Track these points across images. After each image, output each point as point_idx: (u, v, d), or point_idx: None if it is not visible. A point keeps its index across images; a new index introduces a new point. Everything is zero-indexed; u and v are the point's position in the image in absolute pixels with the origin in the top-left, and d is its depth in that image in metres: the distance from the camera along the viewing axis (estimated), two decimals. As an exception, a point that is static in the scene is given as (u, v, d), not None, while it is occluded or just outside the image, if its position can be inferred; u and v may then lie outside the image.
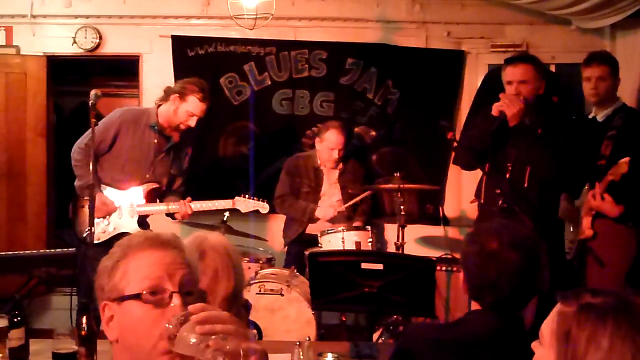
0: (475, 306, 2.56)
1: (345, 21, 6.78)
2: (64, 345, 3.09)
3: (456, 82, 6.78)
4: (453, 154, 6.04)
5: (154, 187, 5.37)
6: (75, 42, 6.68)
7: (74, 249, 5.34)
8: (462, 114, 6.70)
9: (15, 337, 3.19)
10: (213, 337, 1.57)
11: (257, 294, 5.16)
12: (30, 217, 6.74)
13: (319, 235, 5.69)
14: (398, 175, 5.69)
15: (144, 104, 6.50)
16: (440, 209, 6.61)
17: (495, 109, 4.76)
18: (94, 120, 4.59)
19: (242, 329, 1.64)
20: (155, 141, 5.31)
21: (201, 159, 6.61)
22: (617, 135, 4.75)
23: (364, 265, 3.91)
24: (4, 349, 3.13)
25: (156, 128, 5.27)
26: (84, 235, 5.07)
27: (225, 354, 1.56)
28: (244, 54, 6.71)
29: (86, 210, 5.09)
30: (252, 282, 5.18)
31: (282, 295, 5.17)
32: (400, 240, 5.60)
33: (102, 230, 5.24)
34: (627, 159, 4.41)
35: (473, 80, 6.75)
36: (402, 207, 5.63)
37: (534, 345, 1.82)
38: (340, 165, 6.22)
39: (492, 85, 5.17)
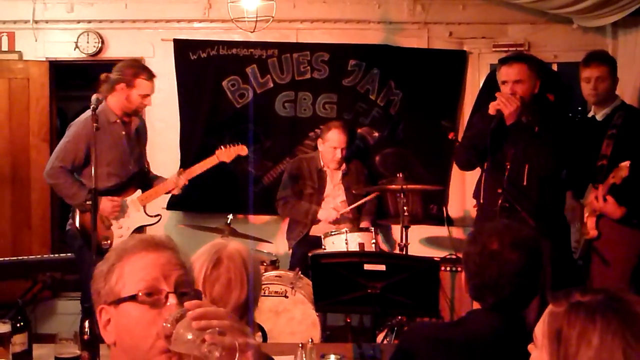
0: (476, 306, 2.57)
1: (346, 22, 6.78)
2: (67, 349, 3.10)
3: (458, 82, 6.77)
4: (456, 154, 6.03)
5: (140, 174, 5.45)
6: (77, 47, 6.69)
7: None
8: (464, 113, 6.69)
9: (18, 342, 3.20)
10: (209, 331, 1.58)
11: (262, 296, 5.13)
12: (35, 222, 6.75)
13: (323, 236, 5.69)
14: (401, 175, 5.68)
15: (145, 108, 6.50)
16: (444, 209, 6.60)
17: (492, 108, 4.78)
18: (95, 124, 4.60)
19: (238, 324, 1.64)
20: (123, 132, 5.33)
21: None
22: (617, 134, 4.76)
23: (367, 266, 3.91)
24: (7, 353, 3.13)
25: (119, 122, 5.28)
26: (103, 247, 5.05)
27: (221, 348, 1.57)
28: (246, 57, 6.70)
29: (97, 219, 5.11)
30: (260, 288, 5.17)
31: (287, 297, 5.17)
32: (404, 241, 5.60)
33: (119, 234, 5.28)
34: (627, 163, 4.43)
35: (475, 80, 6.74)
36: (405, 208, 5.62)
37: (530, 347, 1.83)
38: (343, 166, 6.23)
39: (494, 85, 5.16)
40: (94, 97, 4.70)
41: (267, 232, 6.48)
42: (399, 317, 5.29)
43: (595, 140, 4.86)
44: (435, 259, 5.25)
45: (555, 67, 6.66)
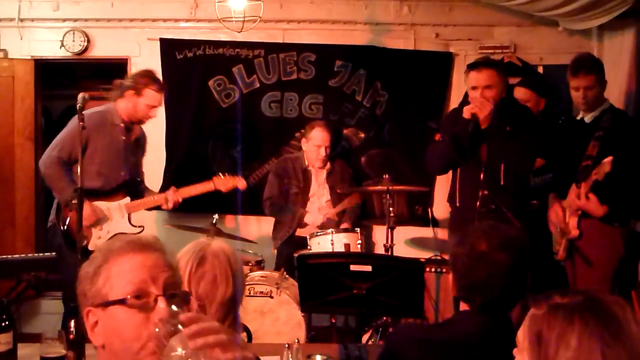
0: (463, 307, 2.58)
1: (333, 23, 6.78)
2: (52, 349, 3.08)
3: (444, 84, 6.79)
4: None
5: (133, 182, 5.47)
6: (63, 45, 6.66)
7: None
8: (450, 115, 6.72)
9: (3, 342, 3.17)
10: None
11: (247, 296, 5.15)
12: (19, 221, 6.72)
13: (308, 237, 5.69)
14: (387, 176, 5.69)
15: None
16: (429, 210, 6.62)
17: (467, 112, 4.85)
18: (81, 123, 4.58)
19: (234, 338, 1.64)
20: (123, 137, 5.36)
21: (190, 162, 6.62)
22: (604, 136, 4.79)
23: (353, 267, 3.91)
24: (-8, 353, 3.12)
25: (122, 126, 5.30)
26: (84, 245, 5.10)
27: None
28: (232, 57, 6.70)
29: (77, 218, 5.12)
30: (244, 286, 5.17)
31: (272, 297, 5.17)
32: (389, 242, 5.60)
33: (97, 236, 5.30)
34: (610, 158, 4.45)
35: (461, 82, 6.67)
36: (391, 209, 5.63)
37: (514, 352, 1.85)
38: (328, 166, 6.23)
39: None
40: (80, 95, 4.68)
41: (252, 232, 6.48)
42: (384, 318, 5.29)
43: (583, 142, 4.89)
44: (421, 260, 5.25)
45: (541, 70, 6.69)
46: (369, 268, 3.90)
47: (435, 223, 6.50)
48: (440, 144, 5.16)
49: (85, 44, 6.68)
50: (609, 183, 4.57)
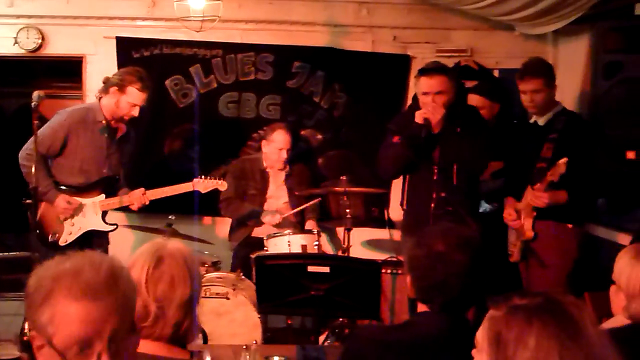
0: (421, 308, 2.59)
1: (292, 24, 6.78)
2: (6, 351, 3.05)
3: (402, 86, 6.82)
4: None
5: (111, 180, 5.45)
6: (16, 42, 6.54)
7: (22, 253, 5.28)
8: (408, 117, 6.75)
9: (-45, 343, 3.14)
10: None
11: (203, 297, 5.12)
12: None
13: (265, 238, 5.67)
14: (344, 178, 5.71)
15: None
16: (386, 211, 6.65)
17: (419, 117, 4.92)
18: (36, 122, 4.55)
19: None
20: (106, 135, 5.34)
21: (146, 161, 6.57)
22: (558, 138, 4.87)
23: (310, 268, 3.92)
24: (-56, 355, 3.07)
25: (104, 123, 5.26)
26: (50, 240, 5.21)
27: None
28: (190, 56, 6.66)
29: (50, 213, 5.09)
30: (202, 286, 5.14)
31: (228, 298, 5.14)
32: (346, 243, 5.62)
33: (68, 231, 5.31)
34: (564, 160, 4.53)
35: (418, 85, 6.79)
36: (347, 210, 5.65)
37: (473, 353, 1.87)
38: (287, 168, 6.22)
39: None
40: (35, 93, 4.65)
41: (208, 233, 6.44)
42: (340, 319, 5.31)
43: (536, 144, 4.96)
44: (377, 261, 5.27)
45: (497, 73, 6.76)
46: (326, 269, 3.91)
47: (391, 225, 6.54)
48: (394, 147, 5.18)
49: (40, 41, 6.57)
50: (563, 184, 4.65)
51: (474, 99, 5.98)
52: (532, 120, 5.15)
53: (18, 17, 6.61)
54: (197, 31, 5.46)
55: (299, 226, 6.11)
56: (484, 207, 5.87)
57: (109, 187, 5.45)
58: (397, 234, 6.64)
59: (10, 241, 7.41)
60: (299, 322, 6.00)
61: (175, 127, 6.67)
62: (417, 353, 2.44)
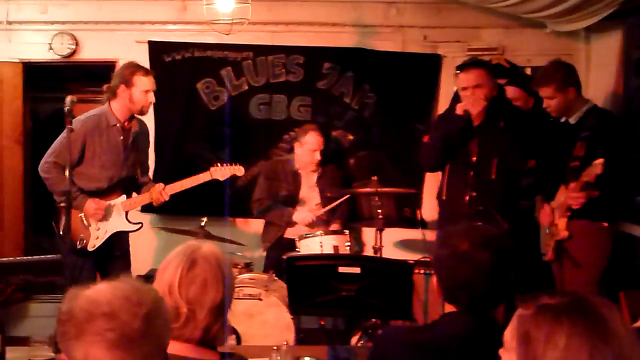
0: (448, 308, 2.59)
1: (321, 25, 6.78)
2: (40, 352, 3.09)
3: (432, 86, 6.80)
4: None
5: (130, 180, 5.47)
6: (51, 48, 6.64)
7: (55, 256, 5.33)
8: (438, 117, 6.73)
9: (-9, 345, 3.18)
10: None
11: (235, 298, 5.14)
12: (7, 224, 6.70)
13: (297, 239, 5.69)
14: (375, 178, 5.71)
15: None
16: (418, 212, 6.63)
17: (460, 109, 4.94)
18: (69, 126, 4.59)
19: None
20: (121, 138, 5.35)
21: (178, 164, 6.61)
22: (591, 136, 4.82)
23: (341, 269, 3.92)
24: (-20, 356, 3.12)
25: (118, 126, 5.30)
26: (79, 247, 5.23)
27: None
28: (221, 59, 6.69)
29: (75, 219, 5.14)
30: (234, 290, 5.16)
31: (261, 299, 5.16)
32: (378, 244, 5.61)
33: (95, 236, 5.32)
34: (601, 160, 4.47)
35: (449, 84, 6.74)
36: (379, 211, 5.64)
37: (500, 352, 1.86)
38: (319, 169, 6.23)
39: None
40: (67, 98, 4.69)
41: (241, 235, 6.47)
42: (373, 320, 5.30)
43: (568, 143, 4.92)
44: (409, 261, 5.26)
45: (529, 71, 6.71)
46: (357, 270, 3.91)
47: (423, 225, 6.52)
48: (429, 145, 5.22)
49: (74, 46, 6.66)
50: (599, 184, 4.60)
51: (509, 91, 5.95)
52: (562, 119, 5.11)
53: (52, 23, 6.70)
54: (227, 34, 5.48)
55: (326, 226, 6.12)
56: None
57: (128, 187, 5.47)
58: (429, 234, 6.63)
59: (46, 244, 7.51)
60: (332, 323, 6.01)
61: (207, 130, 6.71)
62: (443, 353, 2.43)
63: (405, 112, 6.69)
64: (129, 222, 5.45)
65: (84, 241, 5.24)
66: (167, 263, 2.42)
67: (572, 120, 5.01)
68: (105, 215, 5.32)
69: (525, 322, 1.75)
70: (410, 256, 6.22)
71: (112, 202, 5.36)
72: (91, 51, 6.74)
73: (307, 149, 6.10)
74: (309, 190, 6.25)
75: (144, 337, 1.68)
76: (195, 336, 2.35)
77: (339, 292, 3.89)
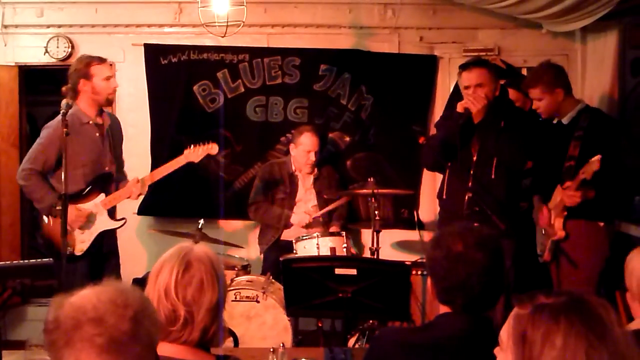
0: (443, 309, 2.59)
1: (317, 27, 6.79)
2: (37, 356, 3.08)
3: (429, 87, 6.81)
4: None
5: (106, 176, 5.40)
6: (47, 52, 6.64)
7: (52, 260, 5.31)
8: (435, 118, 6.67)
9: (-13, 349, 3.18)
10: None
11: (233, 301, 5.15)
12: (4, 228, 6.70)
13: (294, 241, 5.69)
14: (372, 180, 5.71)
15: (117, 112, 6.42)
16: (415, 213, 6.62)
17: (460, 106, 4.95)
18: (65, 129, 4.57)
19: None
20: (97, 134, 5.30)
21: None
22: (584, 135, 4.84)
23: (338, 271, 3.91)
24: (-24, 360, 3.11)
25: (91, 123, 5.26)
26: (69, 253, 5.06)
27: None
28: (217, 61, 6.69)
29: (56, 227, 5.08)
30: (227, 289, 5.16)
31: (258, 302, 5.16)
32: (375, 245, 5.61)
33: (81, 240, 5.24)
34: (598, 157, 4.48)
35: (445, 85, 6.78)
36: (376, 212, 5.64)
37: (496, 351, 1.86)
38: (315, 171, 6.24)
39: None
40: (63, 102, 4.68)
41: (238, 237, 6.47)
42: (371, 321, 5.30)
43: (562, 143, 4.94)
44: (406, 263, 5.26)
45: (524, 72, 6.71)
46: (354, 271, 3.90)
47: (421, 226, 6.51)
48: (430, 144, 5.24)
49: (70, 50, 6.66)
50: (596, 181, 4.61)
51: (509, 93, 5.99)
52: (555, 120, 5.12)
53: (48, 26, 6.72)
54: (222, 36, 5.48)
55: (327, 227, 6.12)
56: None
57: (105, 184, 5.37)
58: (427, 236, 6.62)
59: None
60: (329, 324, 6.01)
61: (203, 132, 6.70)
62: (440, 354, 2.44)
63: (402, 114, 6.69)
64: (112, 219, 5.39)
65: (70, 247, 5.17)
66: (160, 266, 2.41)
67: (565, 121, 5.03)
68: (89, 223, 5.25)
69: (521, 322, 1.75)
70: (408, 257, 6.23)
71: (91, 203, 5.26)
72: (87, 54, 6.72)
73: (302, 150, 6.11)
74: (306, 193, 6.26)
75: (134, 338, 1.67)
76: (193, 338, 2.35)
77: (336, 294, 3.88)
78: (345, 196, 6.15)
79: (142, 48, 6.68)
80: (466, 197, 4.94)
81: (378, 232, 5.64)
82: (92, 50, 6.58)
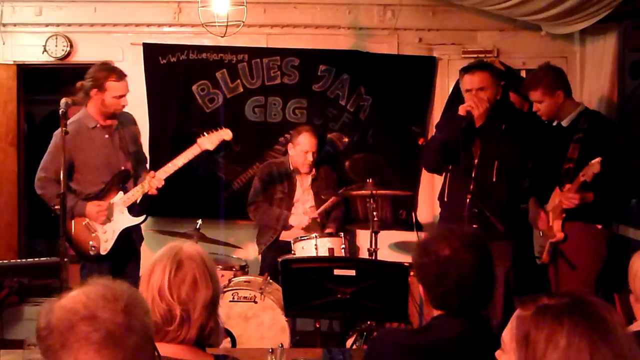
0: (438, 312, 2.58)
1: (317, 28, 6.79)
2: (35, 355, 3.07)
3: (428, 88, 6.81)
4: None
5: (123, 174, 5.44)
6: (45, 50, 6.62)
7: (50, 259, 5.30)
8: (433, 119, 6.70)
9: (-15, 348, 3.17)
10: None
11: (231, 301, 5.15)
12: (2, 227, 6.67)
13: (292, 241, 5.69)
14: (370, 181, 5.70)
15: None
16: (413, 214, 6.61)
17: (462, 109, 4.96)
18: (64, 128, 4.57)
19: None
20: (106, 136, 5.35)
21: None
22: (584, 138, 4.85)
23: (337, 271, 3.91)
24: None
25: (98, 127, 5.31)
26: (92, 254, 5.23)
27: None
28: (216, 61, 6.68)
29: (81, 228, 5.13)
30: (225, 290, 5.17)
31: (256, 302, 5.17)
32: (373, 246, 5.60)
33: (104, 239, 5.30)
34: (598, 159, 4.48)
35: (444, 86, 6.78)
36: (375, 213, 5.63)
37: (497, 354, 1.85)
38: (313, 171, 6.23)
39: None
40: (62, 101, 4.68)
41: (236, 238, 6.46)
42: (369, 322, 5.30)
43: (561, 146, 4.95)
44: (405, 264, 5.27)
45: (523, 74, 6.71)
46: (352, 272, 3.90)
47: (419, 227, 6.50)
48: (431, 146, 5.24)
49: (68, 48, 6.65)
50: (596, 183, 4.61)
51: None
52: (554, 123, 5.13)
53: (46, 25, 6.71)
54: (222, 36, 5.47)
55: (325, 228, 6.12)
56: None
57: (124, 182, 5.42)
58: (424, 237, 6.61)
59: (41, 247, 7.51)
60: (327, 325, 6.01)
61: (202, 132, 6.68)
62: (438, 356, 2.43)
63: (401, 115, 6.69)
64: (132, 216, 5.41)
65: (95, 247, 5.23)
66: (152, 267, 2.41)
67: (564, 123, 5.03)
68: (109, 216, 5.29)
69: (525, 323, 1.75)
70: (406, 258, 6.22)
71: (112, 200, 5.34)
72: (86, 53, 6.72)
73: (300, 150, 6.10)
74: (304, 193, 6.26)
75: (129, 329, 1.66)
76: (191, 336, 2.35)
77: (335, 295, 3.87)
78: (343, 197, 6.14)
79: (141, 47, 6.67)
80: (467, 200, 4.94)
81: (376, 233, 5.63)
82: (91, 49, 6.63)
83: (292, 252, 5.62)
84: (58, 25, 6.71)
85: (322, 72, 6.70)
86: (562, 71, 5.16)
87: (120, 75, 5.30)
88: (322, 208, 6.09)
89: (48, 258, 5.22)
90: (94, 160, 5.28)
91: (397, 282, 3.94)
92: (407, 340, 2.54)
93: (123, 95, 5.30)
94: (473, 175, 5.01)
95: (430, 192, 6.67)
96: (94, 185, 5.29)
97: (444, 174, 5.38)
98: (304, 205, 6.22)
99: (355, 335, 5.28)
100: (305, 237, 5.65)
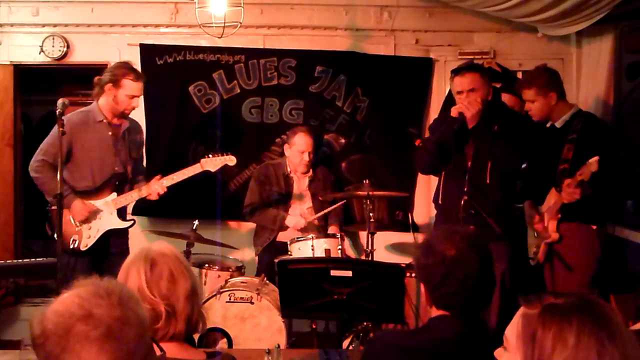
0: (436, 312, 2.58)
1: (313, 29, 6.79)
2: (32, 356, 3.06)
3: (424, 89, 6.81)
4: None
5: (120, 176, 5.44)
6: (42, 51, 6.62)
7: (47, 259, 5.31)
8: (430, 120, 6.67)
9: (-19, 349, 3.17)
10: None
11: (227, 302, 5.14)
12: (-2, 227, 6.68)
13: (289, 242, 5.69)
14: (367, 182, 5.70)
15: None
16: (410, 215, 6.63)
17: (454, 111, 4.96)
18: (60, 129, 4.57)
19: None
20: (110, 133, 5.37)
21: (170, 167, 6.59)
22: (578, 139, 4.87)
23: (333, 272, 3.91)
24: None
25: (105, 122, 5.32)
26: (71, 247, 5.22)
27: None
28: (213, 62, 6.69)
29: (67, 219, 5.12)
30: (221, 291, 5.17)
31: (252, 303, 5.16)
32: (370, 247, 5.61)
33: (87, 235, 5.32)
34: (596, 158, 4.49)
35: (441, 87, 6.79)
36: (371, 214, 5.63)
37: (497, 353, 1.86)
38: (310, 172, 6.23)
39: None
40: (59, 101, 4.68)
41: (233, 238, 6.46)
42: (365, 323, 5.30)
43: (555, 147, 4.96)
44: (401, 265, 5.28)
45: (520, 75, 6.72)
46: (349, 273, 3.90)
47: (415, 228, 6.52)
48: (424, 148, 5.24)
49: (65, 49, 6.65)
50: (593, 182, 4.61)
51: (505, 98, 6.03)
52: (548, 124, 5.14)
53: (43, 25, 6.70)
54: (219, 37, 5.47)
55: (322, 230, 6.12)
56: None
57: (119, 184, 5.44)
58: (421, 238, 6.61)
59: (37, 247, 7.50)
60: (324, 326, 6.00)
61: (198, 132, 6.70)
62: (435, 357, 2.44)
63: (398, 116, 6.70)
64: (121, 220, 5.44)
65: (76, 241, 5.24)
66: (126, 271, 2.44)
67: (558, 125, 5.05)
68: (90, 217, 5.29)
69: (531, 322, 1.75)
70: (402, 259, 6.24)
71: (101, 201, 5.35)
72: (83, 54, 6.73)
73: (296, 150, 6.10)
74: (301, 194, 6.25)
75: (127, 322, 1.67)
76: (180, 329, 2.38)
77: (331, 296, 3.88)
78: (340, 198, 6.14)
79: (138, 48, 6.66)
80: (462, 201, 4.94)
81: (373, 234, 5.64)
82: (87, 49, 6.63)
83: (289, 253, 5.63)
84: (55, 25, 6.70)
85: (319, 73, 6.70)
86: (558, 74, 5.18)
87: (138, 76, 5.35)
88: (323, 212, 6.07)
89: (44, 258, 5.22)
90: (89, 153, 5.29)
91: (393, 283, 3.94)
92: (404, 341, 2.54)
93: (136, 96, 5.34)
94: (467, 177, 5.01)
95: (426, 193, 6.67)
96: (83, 179, 5.29)
97: (438, 177, 5.38)
98: (301, 206, 6.22)
99: (351, 336, 5.28)
100: (302, 238, 5.65)
